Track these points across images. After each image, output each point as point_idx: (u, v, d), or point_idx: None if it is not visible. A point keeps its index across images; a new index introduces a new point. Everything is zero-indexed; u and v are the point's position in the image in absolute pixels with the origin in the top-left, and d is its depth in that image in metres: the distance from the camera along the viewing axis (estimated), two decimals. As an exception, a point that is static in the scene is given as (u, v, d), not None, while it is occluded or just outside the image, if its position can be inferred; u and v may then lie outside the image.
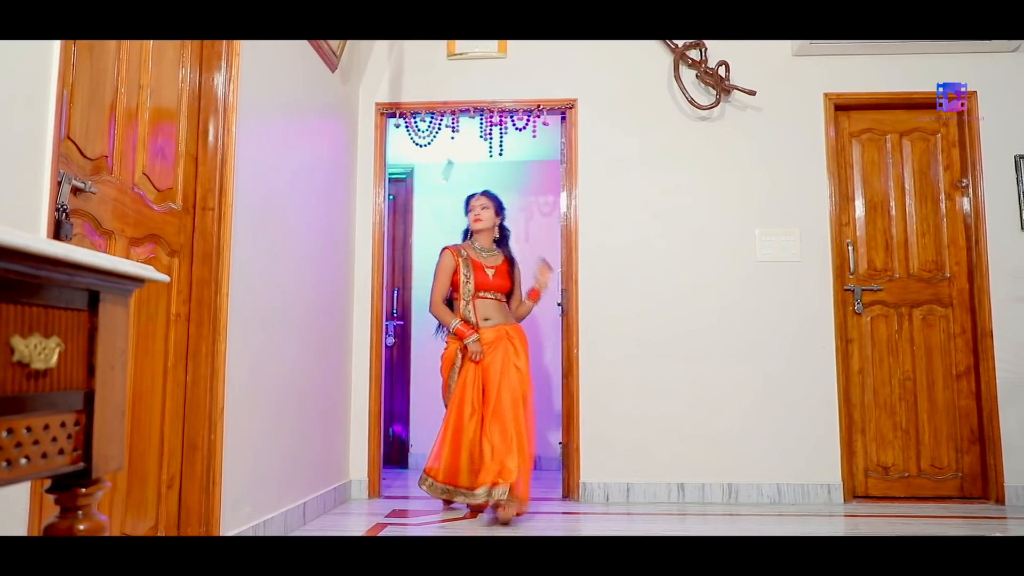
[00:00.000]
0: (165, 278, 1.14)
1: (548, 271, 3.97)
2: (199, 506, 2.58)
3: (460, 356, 3.81)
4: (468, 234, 4.09)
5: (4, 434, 0.86)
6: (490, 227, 4.01)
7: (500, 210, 4.06)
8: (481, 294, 3.90)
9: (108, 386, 1.05)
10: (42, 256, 0.87)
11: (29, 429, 0.90)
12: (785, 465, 4.10)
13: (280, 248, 3.24)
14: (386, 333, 4.83)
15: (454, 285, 3.93)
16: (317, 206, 3.75)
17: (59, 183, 1.91)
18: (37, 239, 0.87)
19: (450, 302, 3.98)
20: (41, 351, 0.91)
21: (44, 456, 0.93)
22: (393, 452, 5.71)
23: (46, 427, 0.94)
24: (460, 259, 3.92)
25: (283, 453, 3.26)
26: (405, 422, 5.83)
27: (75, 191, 2.00)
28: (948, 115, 4.32)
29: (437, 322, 3.98)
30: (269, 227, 3.11)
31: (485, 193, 4.07)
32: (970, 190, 4.23)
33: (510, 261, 4.06)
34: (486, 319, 3.87)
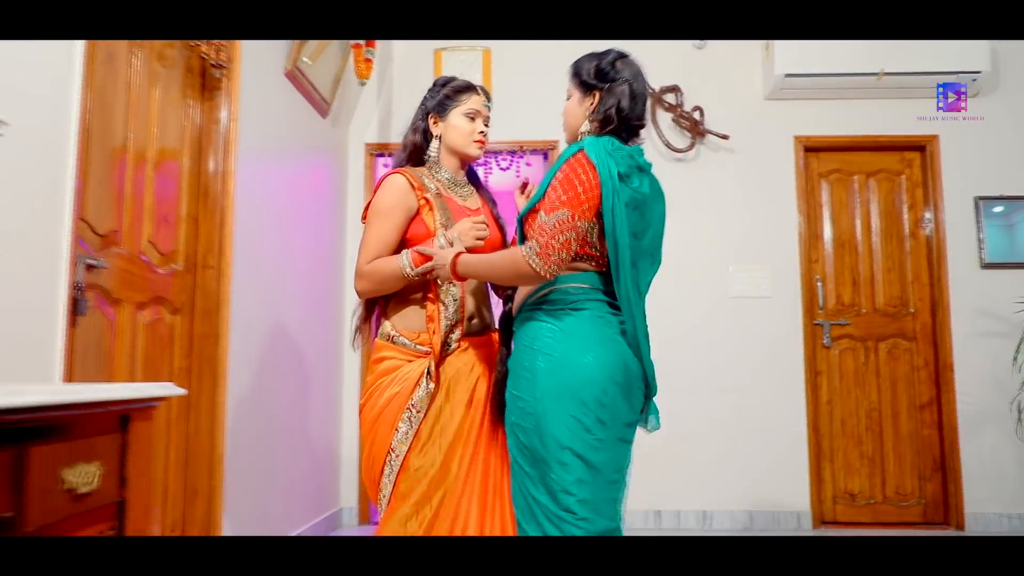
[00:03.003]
0: (183, 392, 1.33)
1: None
2: (200, 547, 2.75)
3: (431, 389, 1.94)
4: (414, 154, 2.19)
5: (57, 551, 1.04)
6: None
7: None
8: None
9: (137, 493, 1.23)
10: (87, 403, 1.06)
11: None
12: (756, 493, 4.30)
13: (275, 296, 3.41)
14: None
15: (412, 243, 2.04)
16: (310, 249, 3.93)
17: (75, 264, 2.08)
18: (84, 389, 1.05)
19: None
20: (86, 477, 1.09)
21: (86, 562, 1.11)
22: (383, 474, 5.86)
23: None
24: (426, 195, 2.05)
25: (279, 489, 3.44)
26: (395, 445, 5.98)
27: (88, 268, 2.18)
28: (911, 156, 4.54)
29: (354, 327, 2.20)
30: (265, 278, 3.29)
31: (481, 87, 2.23)
32: (932, 229, 4.45)
33: (492, 200, 2.28)
34: (472, 316, 2.08)
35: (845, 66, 4.25)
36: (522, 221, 1.92)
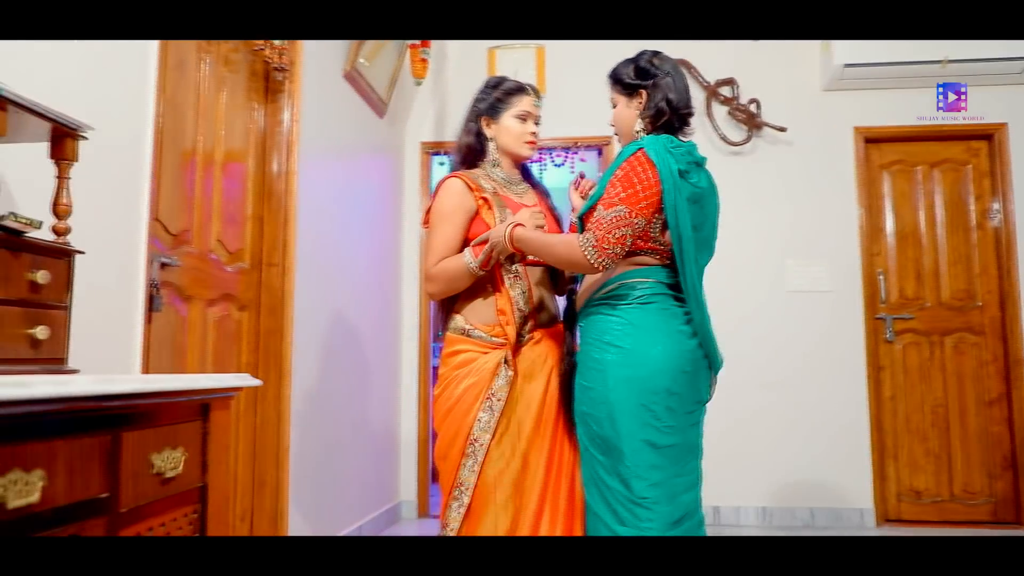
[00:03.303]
0: (258, 383, 1.38)
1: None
2: (268, 537, 2.84)
3: (511, 377, 1.97)
4: (468, 156, 2.24)
5: (147, 531, 1.11)
6: None
7: None
8: (530, 255, 2.06)
9: (217, 479, 1.29)
10: (173, 392, 1.11)
11: (163, 524, 1.15)
12: (818, 489, 4.23)
13: (336, 292, 3.50)
14: (433, 355, 5.07)
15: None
16: (368, 244, 4.01)
17: (150, 262, 2.18)
18: (171, 378, 1.11)
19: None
20: (172, 461, 1.15)
21: (173, 543, 1.17)
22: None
23: (174, 519, 1.18)
24: (483, 195, 2.10)
25: (341, 480, 3.52)
26: (451, 440, 6.05)
27: (162, 266, 2.27)
28: (978, 145, 4.41)
29: (441, 318, 2.19)
30: (326, 274, 3.37)
31: (531, 86, 2.26)
32: (1001, 219, 4.32)
33: (546, 195, 2.32)
34: (540, 309, 2.11)
35: (907, 54, 4.14)
36: (583, 218, 1.97)
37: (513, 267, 2.05)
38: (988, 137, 4.38)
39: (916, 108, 4.39)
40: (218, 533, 1.30)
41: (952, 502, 4.22)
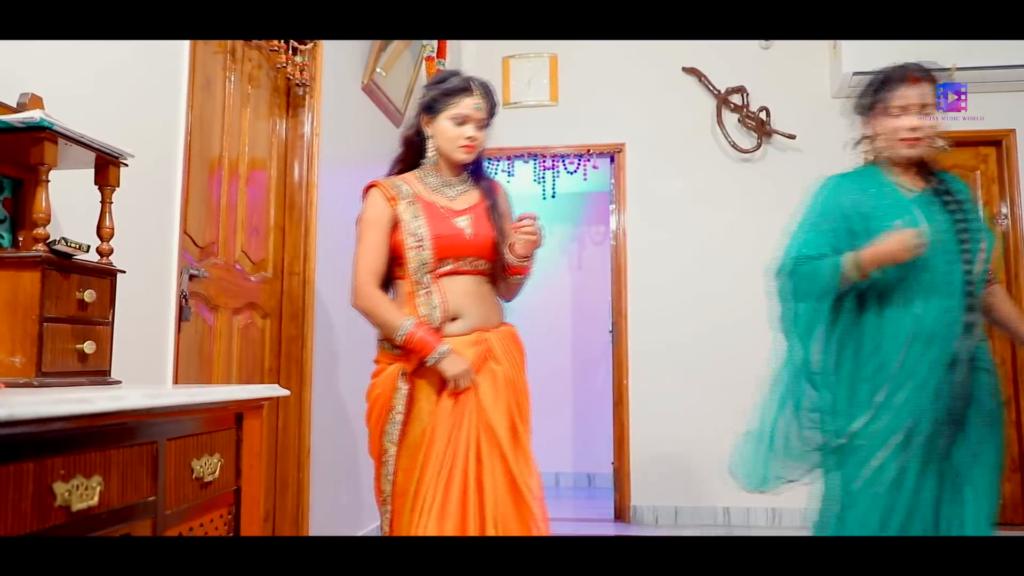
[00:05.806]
0: (287, 392, 1.48)
1: (531, 231, 2.01)
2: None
3: (407, 390, 1.97)
4: (409, 151, 2.18)
5: (188, 531, 1.21)
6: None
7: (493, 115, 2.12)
8: (449, 266, 2.04)
9: (250, 482, 1.39)
10: (212, 403, 1.21)
11: (202, 525, 1.25)
12: (827, 492, 4.29)
13: (354, 299, 3.60)
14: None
15: (395, 252, 2.09)
16: (385, 254, 4.12)
17: (181, 274, 2.29)
18: (209, 390, 1.21)
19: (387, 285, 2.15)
20: (210, 467, 1.25)
21: (211, 542, 1.27)
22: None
23: (211, 520, 1.28)
24: (399, 201, 2.07)
25: (358, 482, 3.63)
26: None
27: (191, 277, 2.38)
28: (987, 151, 4.45)
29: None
30: (344, 281, 3.46)
31: (480, 84, 2.07)
32: (1009, 224, 4.36)
33: (489, 193, 2.15)
34: (456, 317, 2.02)
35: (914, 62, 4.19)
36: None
37: (426, 279, 2.01)
38: (996, 143, 4.42)
39: (925, 115, 4.44)
40: (250, 533, 1.40)
41: (961, 504, 4.26)
